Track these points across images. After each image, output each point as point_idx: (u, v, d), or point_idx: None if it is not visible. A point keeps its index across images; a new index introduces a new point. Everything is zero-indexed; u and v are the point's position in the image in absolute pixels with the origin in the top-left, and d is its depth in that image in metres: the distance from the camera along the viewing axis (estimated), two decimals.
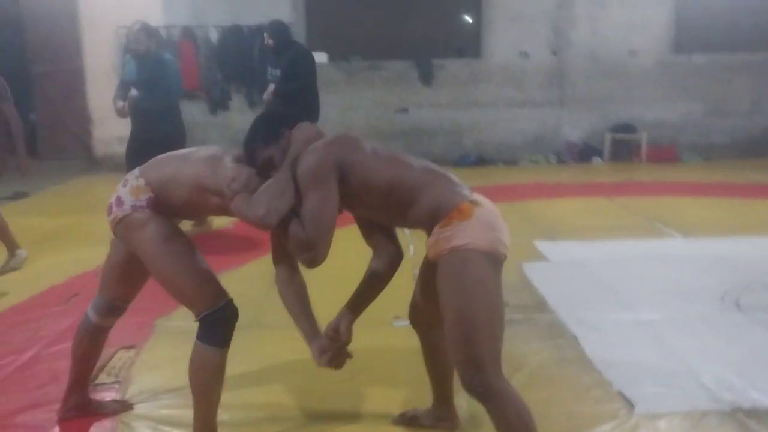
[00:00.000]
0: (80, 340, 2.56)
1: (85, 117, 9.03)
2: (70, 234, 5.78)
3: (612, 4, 9.02)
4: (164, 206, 2.31)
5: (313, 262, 2.09)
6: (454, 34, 9.22)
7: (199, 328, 2.29)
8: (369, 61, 9.09)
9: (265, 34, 5.79)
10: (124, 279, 2.48)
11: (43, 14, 9.06)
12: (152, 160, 2.42)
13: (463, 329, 1.97)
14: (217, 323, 2.29)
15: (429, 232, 2.08)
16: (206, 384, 2.31)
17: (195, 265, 2.31)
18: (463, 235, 1.98)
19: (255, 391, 2.91)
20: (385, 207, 2.15)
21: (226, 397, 2.42)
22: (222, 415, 2.44)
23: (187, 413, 2.45)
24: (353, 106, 9.14)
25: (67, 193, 7.61)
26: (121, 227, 2.30)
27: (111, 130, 8.95)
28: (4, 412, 2.69)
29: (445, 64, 9.12)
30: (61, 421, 2.60)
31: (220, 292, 2.32)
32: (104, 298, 2.53)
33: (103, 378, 2.98)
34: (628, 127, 9.08)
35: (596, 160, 9.09)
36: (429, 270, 2.19)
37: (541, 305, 3.80)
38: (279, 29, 5.78)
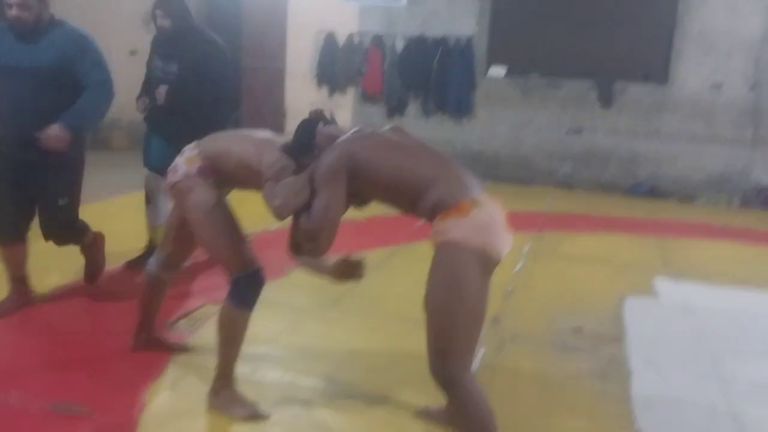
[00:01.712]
0: (144, 288, 3.05)
1: (281, 112, 10.01)
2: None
3: None
4: (213, 175, 2.66)
5: (316, 252, 2.36)
6: (641, 58, 8.79)
7: (230, 289, 2.63)
8: (547, 78, 9.01)
9: (158, 12, 4.10)
10: (178, 239, 2.89)
11: (257, 16, 10.19)
12: (211, 135, 2.81)
13: (439, 320, 2.08)
14: (246, 287, 2.61)
15: (431, 223, 2.20)
16: (229, 338, 2.64)
17: (232, 232, 2.65)
18: (456, 230, 2.07)
19: (292, 361, 3.21)
20: (394, 200, 2.33)
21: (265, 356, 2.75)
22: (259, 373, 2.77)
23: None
24: (526, 123, 9.12)
25: None
26: (174, 192, 2.71)
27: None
28: (105, 333, 3.25)
29: (628, 88, 8.76)
30: (132, 350, 3.10)
31: (252, 260, 2.64)
32: (162, 253, 2.97)
33: (182, 322, 3.47)
34: None
35: None
36: None
37: (616, 339, 3.67)
38: (178, 5, 4.14)
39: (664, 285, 4.70)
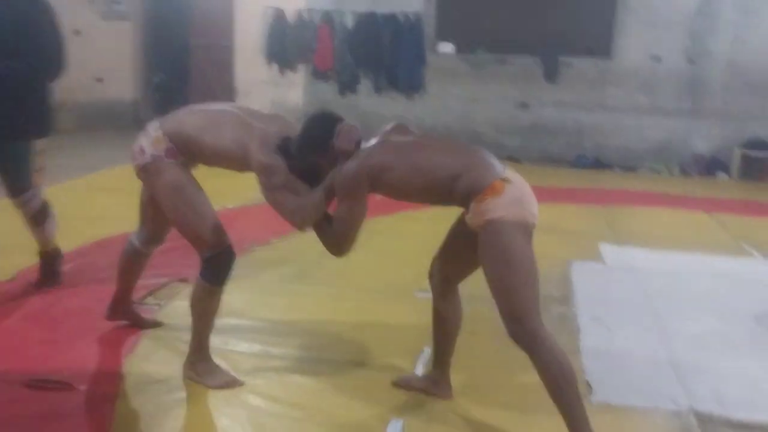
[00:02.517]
0: (123, 261, 3.12)
1: (232, 88, 9.97)
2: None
3: (758, 10, 8.46)
4: (182, 156, 2.72)
5: (339, 255, 2.55)
6: (585, 33, 9.08)
7: (202, 267, 2.72)
8: (495, 55, 9.22)
9: None
10: (153, 217, 2.97)
11: None
12: (171, 114, 2.84)
13: (504, 290, 2.29)
14: (218, 265, 2.70)
15: (466, 208, 2.36)
16: (202, 314, 2.75)
17: (203, 212, 2.71)
18: (496, 209, 2.26)
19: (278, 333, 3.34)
20: (427, 198, 2.49)
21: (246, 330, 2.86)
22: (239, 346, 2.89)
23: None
24: (476, 98, 9.33)
25: None
26: (143, 173, 2.76)
27: (252, 102, 9.83)
28: (79, 310, 3.32)
29: (573, 63, 9.04)
30: (107, 319, 3.20)
31: (222, 239, 2.71)
32: (143, 229, 3.05)
33: (149, 299, 3.56)
34: (762, 145, 8.50)
35: (722, 175, 8.61)
36: (462, 231, 2.49)
37: (564, 299, 3.91)
38: None
39: (608, 250, 4.98)
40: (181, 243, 4.45)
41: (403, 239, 5.05)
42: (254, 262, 4.32)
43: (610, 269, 4.56)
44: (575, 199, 6.85)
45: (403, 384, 2.80)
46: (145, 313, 3.38)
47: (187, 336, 3.17)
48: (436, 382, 2.75)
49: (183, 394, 2.68)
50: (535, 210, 2.35)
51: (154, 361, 2.94)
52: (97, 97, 10.15)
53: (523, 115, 9.28)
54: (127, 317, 3.24)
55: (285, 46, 9.50)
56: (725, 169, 8.65)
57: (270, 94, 9.80)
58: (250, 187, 6.69)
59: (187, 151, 2.72)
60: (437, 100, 9.41)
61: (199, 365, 2.78)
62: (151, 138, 2.73)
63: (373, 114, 9.56)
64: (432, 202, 2.48)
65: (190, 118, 2.78)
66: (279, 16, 9.44)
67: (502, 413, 2.65)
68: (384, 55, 9.24)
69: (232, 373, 2.81)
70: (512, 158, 9.12)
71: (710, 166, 8.71)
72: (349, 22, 9.31)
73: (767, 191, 8.06)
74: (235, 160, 2.67)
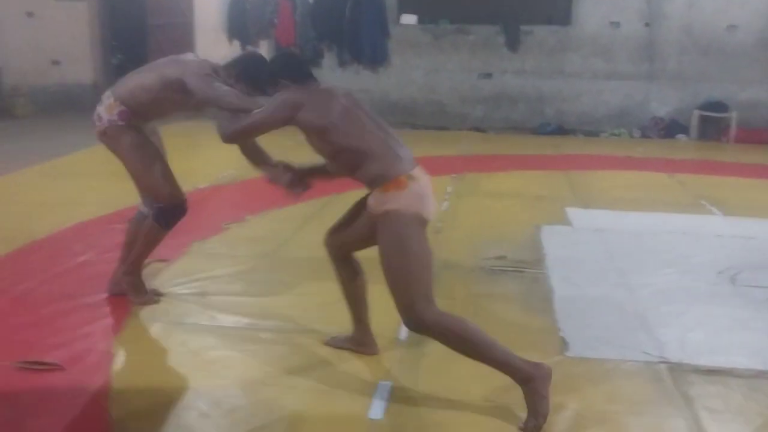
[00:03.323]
0: (133, 231, 3.34)
1: None
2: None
3: None
4: (135, 113, 3.01)
5: (225, 141, 2.71)
6: (545, 2, 9.19)
7: (156, 212, 3.15)
8: (456, 25, 9.28)
9: None
10: None
11: None
12: (120, 80, 3.13)
13: (396, 278, 2.41)
14: (171, 213, 3.17)
15: (370, 191, 2.49)
16: (147, 246, 3.25)
17: (160, 168, 3.12)
18: (397, 201, 2.40)
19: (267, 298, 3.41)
20: (333, 161, 2.61)
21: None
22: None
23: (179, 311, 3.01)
24: (438, 68, 9.40)
25: (167, 134, 8.41)
26: (103, 138, 3.07)
27: None
28: (61, 294, 3.37)
29: (533, 31, 9.16)
30: (111, 293, 3.37)
31: (180, 192, 3.18)
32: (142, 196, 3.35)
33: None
34: (719, 106, 8.77)
35: (681, 137, 8.87)
36: (362, 213, 2.62)
37: (536, 262, 4.05)
38: None
39: (574, 213, 5.14)
40: None
41: None
42: (231, 240, 4.37)
43: (577, 231, 4.72)
44: (540, 166, 7.00)
45: (333, 343, 2.93)
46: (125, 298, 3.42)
47: (173, 310, 3.27)
48: (360, 341, 2.89)
49: (175, 369, 2.74)
50: (433, 209, 2.50)
51: (143, 340, 2.99)
52: (55, 80, 9.96)
53: (485, 85, 9.39)
54: (137, 287, 3.33)
55: (246, 22, 9.42)
56: (684, 131, 8.90)
57: None
58: (222, 166, 6.73)
59: (139, 108, 3.03)
60: (401, 72, 9.46)
61: (131, 277, 3.25)
62: (105, 105, 3.04)
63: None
64: (339, 167, 2.59)
65: (134, 76, 3.12)
66: (236, 3, 9.33)
67: (482, 372, 2.77)
68: (347, 29, 9.23)
69: (154, 292, 3.35)
70: (477, 128, 9.25)
71: (670, 128, 8.95)
72: None
73: (725, 151, 8.35)
74: (176, 93, 2.99)
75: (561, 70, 9.19)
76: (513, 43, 9.18)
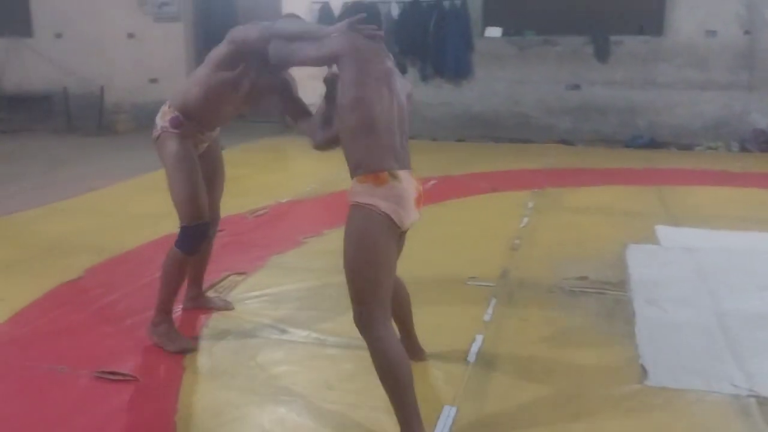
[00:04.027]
0: None
1: None
2: (236, 183, 6.64)
3: None
4: (188, 117, 2.94)
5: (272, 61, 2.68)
6: (635, 10, 8.86)
7: (179, 235, 3.00)
8: (543, 36, 9.09)
9: None
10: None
11: None
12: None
13: (350, 271, 2.32)
14: (191, 235, 2.98)
15: (351, 177, 2.38)
16: (170, 278, 3.02)
17: (193, 184, 2.95)
18: (369, 196, 2.29)
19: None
20: (344, 114, 2.37)
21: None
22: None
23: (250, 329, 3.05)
24: (523, 80, 9.23)
25: (252, 150, 8.65)
26: (155, 145, 3.04)
27: (303, 97, 9.94)
28: (142, 307, 3.47)
29: (624, 41, 8.84)
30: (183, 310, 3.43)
31: (203, 214, 2.97)
32: None
33: (209, 292, 3.67)
34: None
35: None
36: None
37: (620, 283, 3.86)
38: None
39: (664, 231, 4.88)
40: (233, 239, 4.67)
41: (452, 227, 5.05)
42: (308, 253, 4.41)
43: (665, 250, 4.47)
44: (630, 181, 6.72)
45: None
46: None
47: (246, 323, 3.31)
48: (408, 350, 2.69)
49: (242, 384, 2.77)
50: (409, 218, 2.34)
51: (214, 354, 3.04)
52: (153, 98, 10.41)
53: (573, 96, 9.13)
54: (199, 303, 3.44)
55: None
56: None
57: (319, 88, 9.82)
58: (304, 181, 6.85)
59: (192, 110, 2.96)
60: (484, 84, 9.35)
61: (161, 327, 3.03)
62: (160, 113, 3.01)
63: (420, 102, 9.54)
64: (340, 121, 2.41)
65: (188, 81, 3.05)
66: (325, 10, 9.51)
67: (553, 398, 2.65)
68: (430, 43, 9.23)
69: (190, 341, 3.07)
70: (564, 141, 9.00)
71: None
72: (395, 11, 9.32)
73: None
74: (229, 75, 2.84)
75: (653, 80, 8.82)
76: (602, 54, 8.89)
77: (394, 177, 2.31)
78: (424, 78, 9.42)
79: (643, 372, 2.81)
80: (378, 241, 2.29)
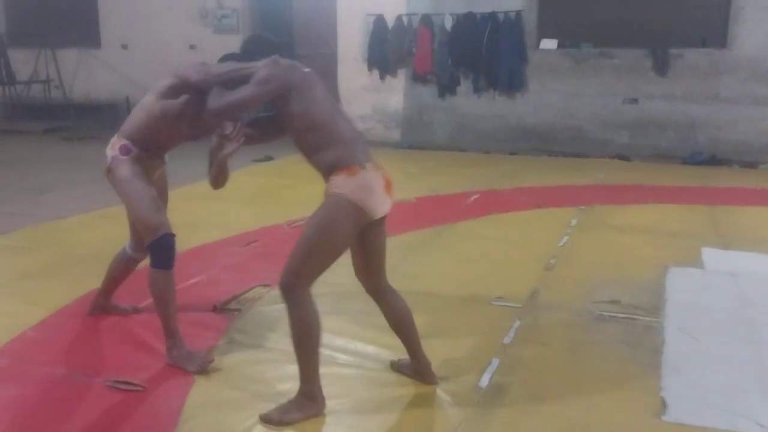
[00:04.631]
0: (114, 264, 3.45)
1: (335, 96, 10.19)
2: (280, 193, 6.74)
3: None
4: (137, 143, 3.03)
5: (212, 114, 2.71)
6: (697, 22, 8.53)
7: (150, 254, 2.98)
8: (599, 49, 8.86)
9: None
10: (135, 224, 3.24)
11: (307, 4, 10.39)
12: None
13: (301, 246, 2.52)
14: (159, 250, 2.94)
15: (325, 180, 2.58)
16: (162, 300, 2.98)
17: (148, 200, 2.97)
18: (343, 187, 2.49)
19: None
20: (301, 138, 2.62)
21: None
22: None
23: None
24: (578, 93, 9.01)
25: (301, 161, 8.72)
26: (107, 176, 3.09)
27: (355, 109, 10.02)
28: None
29: (684, 54, 8.52)
30: (90, 314, 3.54)
31: (162, 225, 2.95)
32: (133, 238, 3.36)
33: (231, 304, 3.70)
34: None
35: None
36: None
37: (654, 309, 3.69)
38: None
39: (710, 254, 4.65)
40: (266, 250, 4.71)
41: (488, 244, 4.95)
42: (335, 267, 4.35)
43: (708, 275, 4.25)
44: (683, 199, 6.45)
45: (395, 368, 2.96)
46: (225, 319, 3.53)
47: (259, 340, 3.31)
48: (417, 371, 2.86)
49: (247, 400, 2.76)
50: (380, 207, 2.56)
51: (224, 366, 3.04)
52: None
53: (630, 110, 8.86)
54: (108, 310, 3.56)
55: (385, 52, 9.61)
56: None
57: (371, 99, 9.94)
58: None
59: (140, 135, 3.04)
60: (538, 97, 9.18)
61: (174, 350, 3.01)
62: (110, 144, 3.08)
63: (473, 115, 9.48)
64: (303, 148, 2.62)
65: (135, 109, 3.14)
66: (379, 22, 9.55)
67: (560, 429, 2.55)
68: (483, 55, 9.14)
69: (208, 356, 3.03)
70: (620, 156, 8.74)
71: None
72: (448, 23, 9.27)
73: None
74: (173, 111, 2.97)
75: (715, 95, 8.46)
76: (661, 67, 8.59)
77: (364, 168, 2.53)
78: (477, 90, 9.33)
79: (663, 405, 2.67)
80: (340, 229, 2.49)
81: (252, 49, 2.92)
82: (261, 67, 2.65)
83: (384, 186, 2.58)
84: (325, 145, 2.55)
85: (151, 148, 3.12)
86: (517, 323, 3.48)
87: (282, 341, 3.24)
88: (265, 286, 3.99)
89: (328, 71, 10.22)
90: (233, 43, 10.47)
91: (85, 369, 2.97)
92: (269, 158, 8.51)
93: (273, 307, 3.69)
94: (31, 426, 2.56)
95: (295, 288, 2.51)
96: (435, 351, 3.16)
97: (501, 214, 5.84)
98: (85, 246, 4.82)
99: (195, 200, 6.41)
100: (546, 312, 3.67)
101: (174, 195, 6.43)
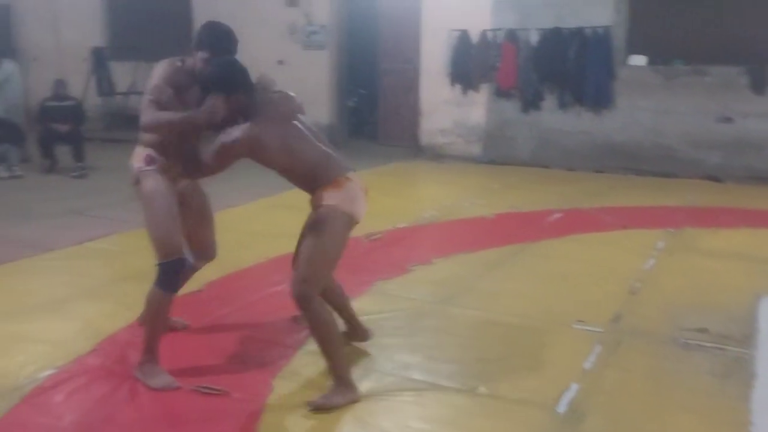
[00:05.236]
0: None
1: (416, 110, 10.25)
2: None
3: None
4: (158, 157, 3.01)
5: (196, 176, 3.02)
6: None
7: (158, 273, 2.99)
8: (692, 66, 8.55)
9: None
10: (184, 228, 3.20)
11: (393, 19, 10.51)
12: None
13: (308, 257, 2.83)
14: (168, 273, 2.97)
15: (311, 195, 2.90)
16: (154, 317, 3.02)
17: (166, 222, 2.96)
18: (333, 199, 2.82)
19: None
20: (288, 176, 2.94)
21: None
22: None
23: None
24: (668, 111, 8.71)
25: (384, 173, 8.82)
26: (133, 188, 3.09)
27: (436, 123, 10.06)
28: (247, 323, 3.67)
29: None
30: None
31: (175, 249, 2.96)
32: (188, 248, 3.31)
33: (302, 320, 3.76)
34: None
35: None
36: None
37: (745, 339, 3.52)
38: None
39: None
40: (345, 262, 4.64)
41: (569, 264, 4.85)
42: (413, 282, 4.41)
43: None
44: None
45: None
46: (299, 330, 3.59)
47: None
48: (352, 333, 3.38)
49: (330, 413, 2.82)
50: (363, 210, 2.92)
51: (301, 375, 3.11)
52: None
53: (723, 130, 8.49)
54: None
55: (468, 66, 9.59)
56: None
57: (453, 113, 9.94)
58: (425, 207, 6.87)
59: (162, 143, 3.01)
60: (626, 114, 8.93)
61: (146, 366, 3.01)
62: (134, 155, 3.09)
63: (557, 131, 9.32)
64: (291, 180, 2.93)
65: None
66: (463, 37, 9.56)
67: None
68: (569, 71, 8.99)
69: (173, 380, 2.99)
70: (711, 177, 8.38)
71: None
72: (534, 39, 9.18)
73: None
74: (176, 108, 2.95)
75: None
76: (759, 85, 8.19)
77: (348, 179, 2.88)
78: (563, 106, 9.17)
79: None
80: (338, 237, 2.83)
81: (205, 41, 3.01)
82: (230, 132, 2.79)
83: (364, 191, 2.93)
84: (309, 174, 2.86)
85: (170, 151, 3.05)
86: (599, 348, 3.39)
87: (362, 353, 3.29)
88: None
89: (410, 85, 10.31)
90: (320, 59, 10.82)
91: (173, 371, 3.08)
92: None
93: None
94: (120, 423, 2.69)
95: (309, 295, 2.79)
96: (513, 372, 3.14)
97: (584, 234, 5.71)
98: None
99: (279, 209, 6.57)
100: (629, 337, 3.56)
101: (258, 205, 6.74)
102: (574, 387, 2.98)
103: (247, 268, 4.69)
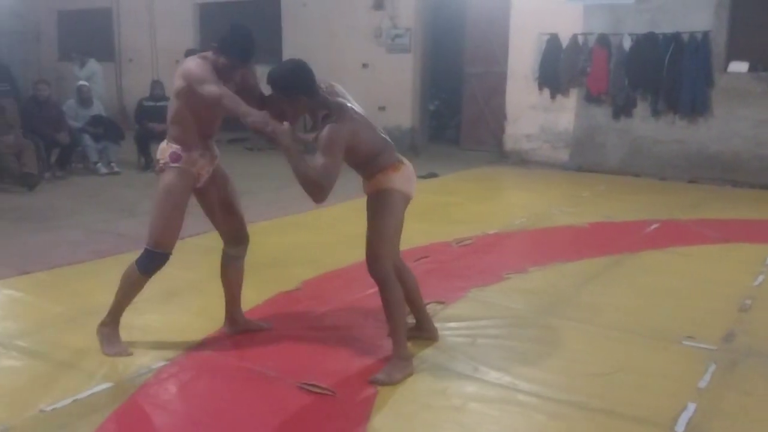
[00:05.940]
0: (222, 271, 3.48)
1: (502, 115, 10.12)
2: (446, 210, 6.74)
3: None
4: (185, 143, 3.12)
5: (318, 199, 2.93)
6: None
7: (141, 254, 3.18)
8: None
9: None
10: (222, 219, 3.40)
11: (480, 22, 10.41)
12: None
13: (377, 235, 3.08)
14: (152, 259, 3.17)
15: (370, 179, 3.13)
16: (126, 291, 3.25)
17: (172, 217, 3.15)
18: (394, 181, 3.10)
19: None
20: (354, 162, 3.11)
21: None
22: None
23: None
24: None
25: (468, 178, 8.74)
26: (157, 179, 3.21)
27: (521, 127, 9.91)
28: (347, 323, 3.68)
29: None
30: (228, 334, 3.54)
31: (167, 245, 3.16)
32: (222, 235, 3.46)
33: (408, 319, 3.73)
34: None
35: None
36: None
37: None
38: None
39: None
40: (437, 267, 4.72)
41: (672, 278, 4.65)
42: (510, 291, 4.32)
43: None
44: None
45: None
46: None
47: (441, 354, 3.33)
48: (420, 329, 3.50)
49: (429, 417, 2.78)
50: (414, 191, 3.20)
51: (406, 381, 3.07)
52: (380, 124, 10.91)
53: None
54: (238, 325, 3.51)
55: (557, 70, 9.40)
56: None
57: (540, 119, 9.76)
58: (515, 213, 6.73)
59: (181, 132, 3.14)
60: (723, 123, 8.56)
61: (107, 328, 3.25)
62: (160, 150, 3.21)
63: (649, 138, 9.03)
64: (355, 165, 3.14)
65: (168, 113, 3.22)
66: (553, 41, 9.38)
67: None
68: (664, 77, 8.68)
69: (128, 348, 3.25)
70: None
71: None
72: (626, 43, 8.91)
73: None
74: (193, 97, 3.04)
75: None
76: None
77: (403, 163, 3.17)
78: (656, 113, 8.88)
79: None
80: (399, 216, 3.13)
81: (230, 46, 3.06)
82: (327, 129, 2.90)
83: (414, 173, 3.21)
84: (370, 161, 3.10)
85: (197, 143, 3.18)
86: (713, 367, 3.22)
87: (458, 363, 3.24)
88: (439, 303, 4.01)
89: (497, 89, 10.19)
90: (404, 63, 10.83)
91: (278, 367, 3.12)
92: (433, 175, 8.59)
93: (447, 324, 3.70)
94: (229, 417, 2.73)
95: (387, 270, 3.06)
96: (624, 387, 3.02)
97: (684, 246, 5.47)
98: (268, 251, 5.07)
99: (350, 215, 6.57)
100: (745, 357, 3.37)
101: (348, 206, 6.76)
102: (692, 407, 2.83)
103: (342, 268, 4.71)
